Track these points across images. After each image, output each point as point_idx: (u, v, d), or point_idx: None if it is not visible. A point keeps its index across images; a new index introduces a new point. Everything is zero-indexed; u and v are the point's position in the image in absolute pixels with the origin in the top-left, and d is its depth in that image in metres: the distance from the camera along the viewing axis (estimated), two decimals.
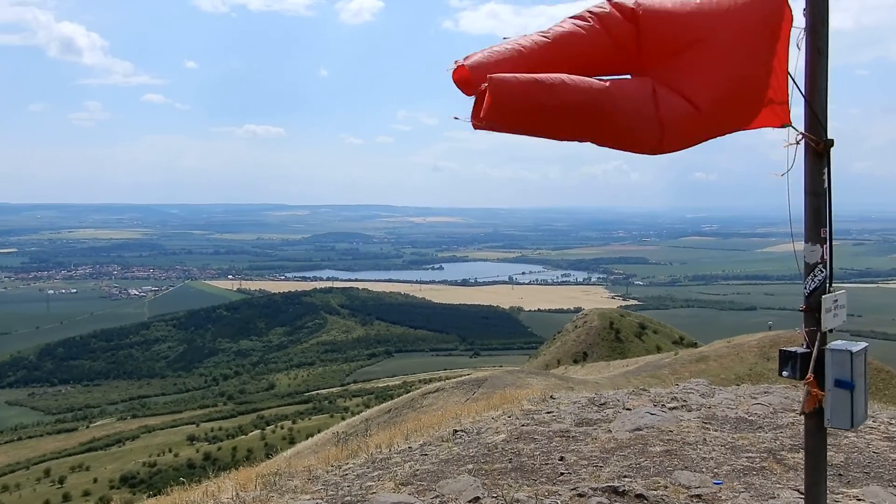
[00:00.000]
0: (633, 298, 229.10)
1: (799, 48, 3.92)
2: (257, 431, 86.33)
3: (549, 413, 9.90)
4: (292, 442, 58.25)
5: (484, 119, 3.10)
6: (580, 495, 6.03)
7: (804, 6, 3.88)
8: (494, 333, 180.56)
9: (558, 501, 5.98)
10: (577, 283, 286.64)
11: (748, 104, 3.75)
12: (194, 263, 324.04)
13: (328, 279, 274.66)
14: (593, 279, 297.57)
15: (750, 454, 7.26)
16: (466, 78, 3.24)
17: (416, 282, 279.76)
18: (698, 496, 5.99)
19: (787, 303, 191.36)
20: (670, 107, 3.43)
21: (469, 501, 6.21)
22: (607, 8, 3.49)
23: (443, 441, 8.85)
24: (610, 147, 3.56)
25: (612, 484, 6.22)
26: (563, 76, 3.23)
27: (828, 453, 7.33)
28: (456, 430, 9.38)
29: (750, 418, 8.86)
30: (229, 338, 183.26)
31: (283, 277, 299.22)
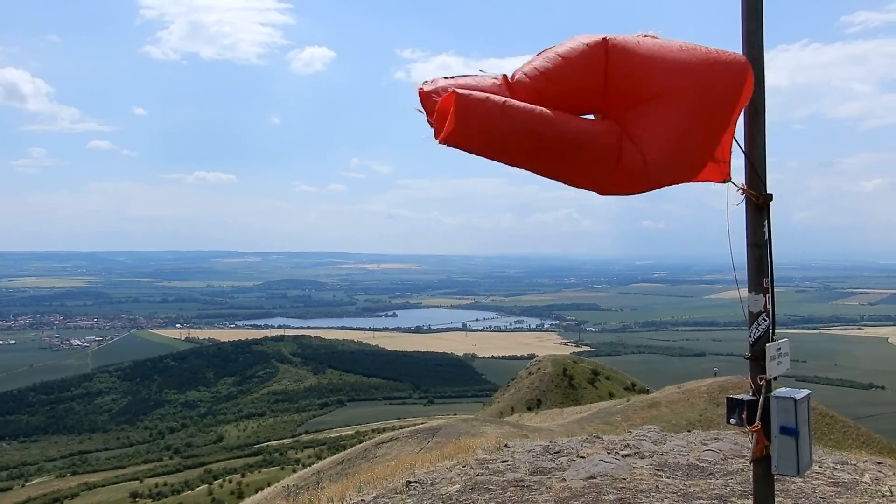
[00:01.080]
0: (586, 345, 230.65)
1: None
2: (204, 486, 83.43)
3: (503, 462, 9.84)
4: (241, 496, 56.39)
5: (446, 137, 3.15)
6: None
7: None
8: (448, 381, 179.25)
9: None
10: (530, 330, 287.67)
11: (696, 160, 3.90)
12: (141, 312, 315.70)
13: (280, 327, 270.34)
14: (546, 325, 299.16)
15: (701, 501, 7.31)
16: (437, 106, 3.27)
17: (370, 329, 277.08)
18: None
19: (735, 348, 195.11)
20: (629, 156, 3.55)
21: None
22: (583, 47, 3.60)
23: (396, 493, 8.71)
24: (561, 181, 3.64)
25: None
26: (535, 107, 3.32)
27: (776, 500, 7.45)
28: (409, 482, 9.24)
29: (701, 465, 8.95)
30: (176, 388, 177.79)
31: (233, 325, 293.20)
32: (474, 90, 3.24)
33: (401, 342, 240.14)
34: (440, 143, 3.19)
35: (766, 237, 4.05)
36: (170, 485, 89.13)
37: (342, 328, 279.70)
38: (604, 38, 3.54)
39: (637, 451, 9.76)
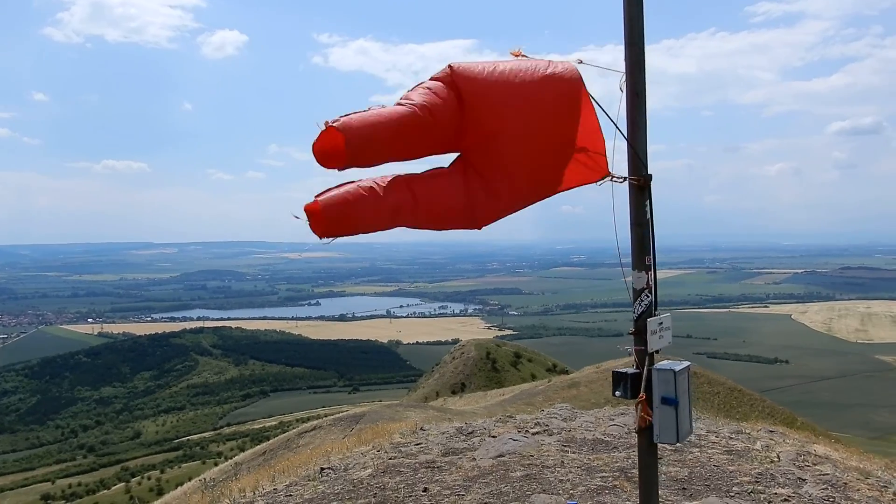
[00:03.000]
0: (509, 328, 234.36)
1: (622, 90, 4.25)
2: (121, 484, 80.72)
3: (417, 445, 9.92)
4: (160, 493, 54.90)
5: (321, 234, 3.48)
6: None
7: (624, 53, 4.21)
8: (373, 368, 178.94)
9: None
10: (454, 315, 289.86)
11: (555, 173, 4.07)
12: (49, 307, 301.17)
13: (199, 319, 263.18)
14: (470, 310, 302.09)
15: (604, 474, 7.58)
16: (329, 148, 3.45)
17: (293, 318, 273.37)
18: None
19: None
20: (481, 198, 3.78)
21: None
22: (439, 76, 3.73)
23: (309, 480, 8.68)
24: (429, 229, 3.93)
25: None
26: (381, 183, 3.57)
27: (674, 468, 7.80)
28: (323, 468, 9.22)
29: (606, 439, 9.26)
30: (89, 385, 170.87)
31: (149, 319, 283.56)
32: (381, 124, 3.44)
33: (324, 331, 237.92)
34: (319, 237, 3.52)
35: (648, 217, 4.21)
36: (84, 485, 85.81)
37: (264, 318, 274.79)
38: (449, 66, 3.69)
39: (546, 428, 10.01)
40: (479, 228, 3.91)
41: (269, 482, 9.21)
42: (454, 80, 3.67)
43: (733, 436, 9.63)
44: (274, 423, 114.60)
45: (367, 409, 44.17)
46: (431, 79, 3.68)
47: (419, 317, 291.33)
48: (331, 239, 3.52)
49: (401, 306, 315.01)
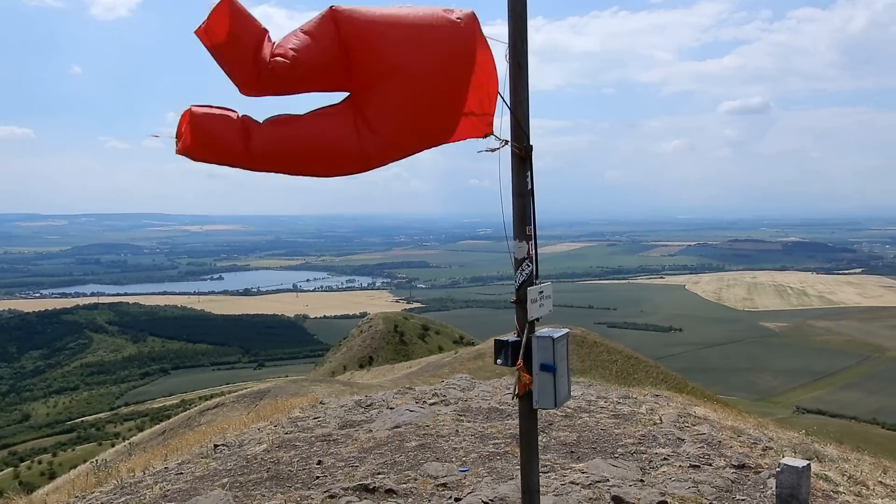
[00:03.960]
0: (417, 301, 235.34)
1: (506, 61, 4.26)
2: (9, 470, 76.69)
3: (315, 419, 9.87)
4: (52, 477, 52.54)
5: (182, 149, 3.32)
6: (331, 496, 6.07)
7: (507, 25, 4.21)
8: (279, 343, 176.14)
9: None
10: (361, 289, 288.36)
11: (441, 124, 4.02)
12: None
13: (93, 295, 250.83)
14: (378, 284, 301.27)
15: (496, 441, 7.75)
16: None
17: (194, 293, 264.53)
18: (444, 485, 6.28)
19: (555, 300, 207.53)
20: (367, 139, 3.65)
21: None
22: (318, 19, 3.57)
23: (202, 458, 8.48)
24: (312, 175, 3.77)
25: (364, 482, 6.33)
26: (274, 121, 3.44)
27: (564, 433, 8.06)
28: (217, 445, 9.04)
29: (501, 407, 9.47)
30: None
31: (38, 295, 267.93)
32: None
33: (228, 306, 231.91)
34: (177, 153, 3.36)
35: (529, 187, 4.26)
36: None
37: (164, 293, 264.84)
38: (330, 8, 3.56)
39: (444, 399, 10.14)
40: (368, 170, 3.82)
41: (161, 461, 8.96)
42: (336, 21, 3.56)
43: (621, 401, 10.04)
44: (175, 401, 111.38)
45: (273, 384, 43.58)
46: (312, 21, 3.56)
47: (326, 291, 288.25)
48: (192, 159, 3.38)
49: (307, 280, 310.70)
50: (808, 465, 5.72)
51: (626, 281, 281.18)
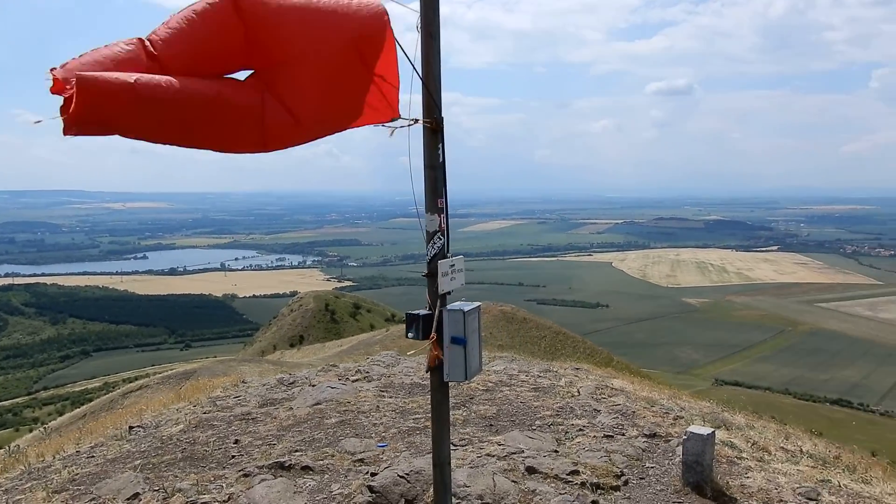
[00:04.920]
0: (348, 280, 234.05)
1: (418, 31, 4.19)
2: None
3: (236, 398, 9.69)
4: None
5: (71, 120, 2.84)
6: (246, 475, 5.97)
7: None
8: (207, 323, 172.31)
9: (223, 485, 5.86)
10: (292, 267, 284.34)
11: (350, 109, 3.93)
12: None
13: (7, 275, 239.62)
14: (308, 262, 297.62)
15: (417, 416, 7.77)
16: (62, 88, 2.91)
17: (117, 273, 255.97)
18: (361, 460, 6.26)
19: (485, 277, 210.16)
20: (276, 115, 3.49)
21: (128, 499, 5.83)
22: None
23: (116, 440, 8.23)
24: (210, 149, 3.51)
25: (280, 460, 6.24)
26: (165, 78, 3.09)
27: (484, 407, 8.14)
28: (132, 427, 8.79)
29: (424, 383, 9.48)
30: None
31: None
32: (103, 69, 3.00)
33: (153, 286, 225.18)
34: (65, 134, 2.88)
35: (441, 159, 4.23)
36: None
37: (84, 274, 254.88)
38: None
39: (367, 375, 10.11)
40: (268, 150, 3.67)
41: (73, 445, 8.65)
42: (236, 2, 3.41)
43: (542, 374, 10.21)
44: (98, 384, 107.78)
45: (199, 365, 42.65)
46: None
47: (255, 269, 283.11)
48: (73, 132, 2.90)
49: (236, 259, 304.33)
50: (713, 432, 5.93)
51: (556, 258, 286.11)
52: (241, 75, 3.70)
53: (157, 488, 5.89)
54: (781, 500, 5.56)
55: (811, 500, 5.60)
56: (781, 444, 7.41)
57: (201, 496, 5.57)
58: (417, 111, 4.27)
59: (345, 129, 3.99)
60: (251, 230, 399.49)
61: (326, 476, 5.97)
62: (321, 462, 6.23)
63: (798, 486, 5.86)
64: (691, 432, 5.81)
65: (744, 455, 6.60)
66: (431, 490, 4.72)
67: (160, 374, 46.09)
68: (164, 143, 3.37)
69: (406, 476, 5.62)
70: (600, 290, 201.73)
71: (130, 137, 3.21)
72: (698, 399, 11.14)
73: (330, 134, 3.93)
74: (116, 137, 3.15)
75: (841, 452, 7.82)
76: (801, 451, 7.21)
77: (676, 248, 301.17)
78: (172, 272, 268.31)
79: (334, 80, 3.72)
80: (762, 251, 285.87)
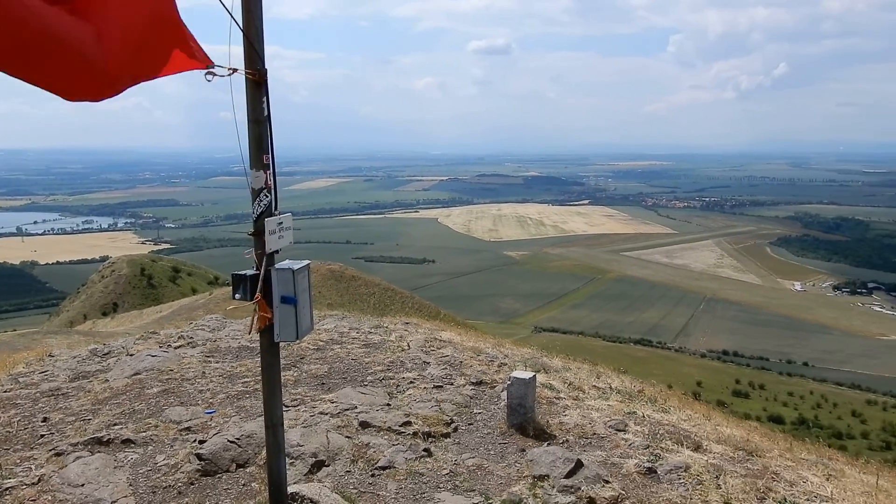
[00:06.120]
0: (165, 242, 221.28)
1: None
2: None
3: (42, 373, 8.91)
4: None
5: None
6: (58, 454, 5.54)
7: None
8: (4, 294, 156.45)
9: (32, 466, 5.41)
10: (101, 230, 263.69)
11: (157, 53, 3.60)
12: None
13: None
14: (120, 225, 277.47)
15: (246, 379, 7.58)
16: None
17: None
18: (188, 429, 6.02)
19: (313, 236, 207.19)
20: (94, 55, 3.11)
21: None
22: None
23: None
24: (45, 88, 3.09)
25: (97, 436, 5.86)
26: None
27: (315, 366, 8.09)
28: None
29: (252, 346, 9.24)
30: None
31: None
32: None
33: None
34: None
35: (266, 113, 4.07)
36: None
37: None
38: None
39: (191, 341, 9.68)
40: (105, 96, 3.28)
41: None
42: None
43: (373, 330, 10.31)
44: None
45: None
46: None
47: (59, 234, 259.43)
48: None
49: (35, 222, 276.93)
50: (534, 376, 6.31)
51: (383, 215, 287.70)
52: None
53: None
54: (595, 433, 6.05)
55: (619, 430, 6.15)
56: (594, 383, 8.04)
57: (6, 480, 5.11)
58: (239, 63, 4.07)
59: (159, 76, 3.68)
60: (52, 191, 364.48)
61: (150, 448, 5.69)
62: (144, 434, 5.92)
63: (609, 419, 6.40)
64: (514, 377, 6.14)
65: (562, 395, 7.10)
66: (264, 452, 4.65)
67: None
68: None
69: (237, 441, 5.49)
70: (427, 246, 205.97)
71: None
72: (520, 346, 11.78)
73: (143, 81, 3.60)
74: None
75: (644, 387, 8.63)
76: (610, 388, 7.87)
77: (498, 203, 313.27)
78: None
79: (137, 19, 3.41)
80: (575, 205, 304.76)
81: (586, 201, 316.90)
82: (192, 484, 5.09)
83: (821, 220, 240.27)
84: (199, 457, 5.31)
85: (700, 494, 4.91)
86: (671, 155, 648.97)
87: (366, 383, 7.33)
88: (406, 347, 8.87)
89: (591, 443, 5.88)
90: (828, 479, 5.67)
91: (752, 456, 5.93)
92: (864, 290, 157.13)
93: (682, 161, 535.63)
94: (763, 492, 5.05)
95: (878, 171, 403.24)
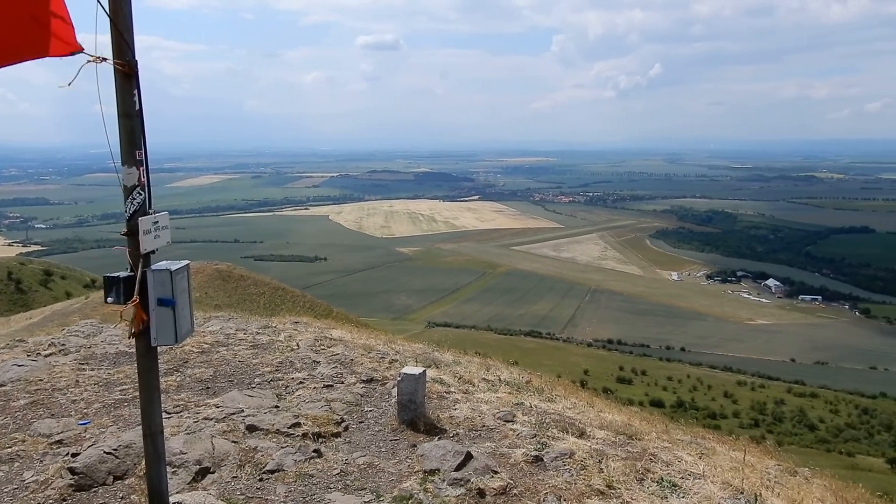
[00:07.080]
0: (35, 244, 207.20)
1: None
2: None
3: None
4: None
5: None
6: None
7: None
8: None
9: None
10: None
11: (16, 38, 3.33)
12: None
13: None
14: None
15: (124, 387, 7.21)
16: None
17: None
18: (59, 441, 5.67)
19: (198, 235, 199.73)
20: None
21: None
22: None
23: None
24: None
25: None
26: None
27: (199, 370, 7.80)
28: None
29: (131, 351, 8.81)
30: None
31: None
32: None
33: None
34: None
35: (138, 107, 3.87)
36: None
37: None
38: None
39: (62, 348, 9.11)
40: None
41: None
42: None
43: (261, 331, 10.05)
44: None
45: None
46: None
47: None
48: None
49: None
50: (424, 371, 6.35)
51: (272, 213, 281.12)
52: None
53: None
54: (484, 426, 6.15)
55: (507, 421, 6.28)
56: (483, 376, 8.17)
57: None
58: (106, 53, 3.84)
59: (22, 60, 3.41)
60: None
61: (17, 464, 5.31)
62: (9, 450, 5.52)
63: (497, 411, 6.53)
64: (405, 373, 6.15)
65: (452, 389, 7.17)
66: (144, 463, 4.43)
67: None
68: None
69: (114, 451, 5.21)
70: (318, 244, 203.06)
71: None
72: (412, 342, 11.82)
73: (9, 64, 3.32)
74: None
75: (532, 377, 8.86)
76: (499, 380, 8.02)
77: (390, 199, 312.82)
78: None
79: None
80: (465, 201, 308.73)
81: (476, 197, 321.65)
82: (64, 500, 4.79)
83: (694, 213, 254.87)
84: (71, 471, 5.01)
85: (584, 479, 5.09)
86: (557, 151, 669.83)
87: (253, 385, 7.14)
88: (295, 347, 8.71)
89: (480, 435, 5.97)
90: (700, 458, 6.02)
91: (632, 439, 6.21)
92: (733, 279, 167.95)
93: (567, 157, 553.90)
94: (642, 473, 5.29)
95: (745, 167, 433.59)
